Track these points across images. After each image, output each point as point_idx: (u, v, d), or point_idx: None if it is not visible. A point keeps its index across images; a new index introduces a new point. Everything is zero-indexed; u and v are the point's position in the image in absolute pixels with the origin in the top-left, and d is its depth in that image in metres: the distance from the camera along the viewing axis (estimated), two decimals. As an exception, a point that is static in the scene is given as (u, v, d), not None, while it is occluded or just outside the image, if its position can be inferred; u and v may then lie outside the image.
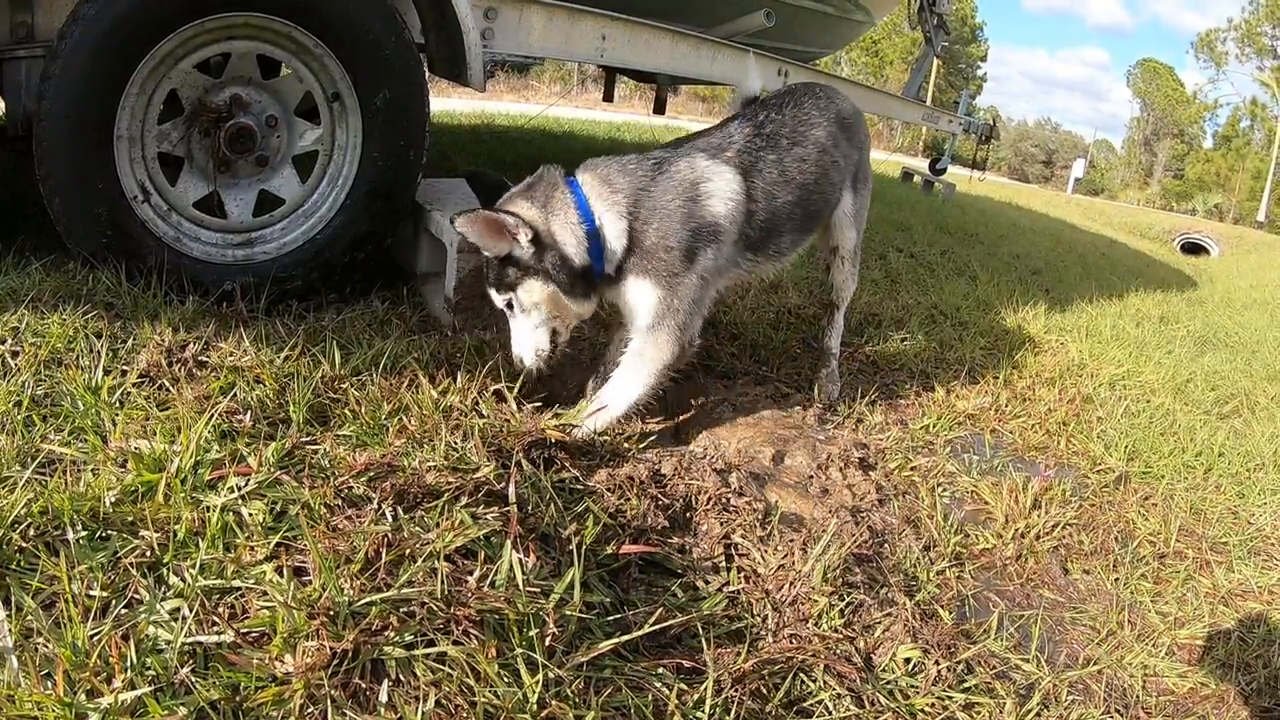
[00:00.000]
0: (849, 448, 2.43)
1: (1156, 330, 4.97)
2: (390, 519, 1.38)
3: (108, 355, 2.02)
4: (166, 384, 1.93)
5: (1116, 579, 2.29)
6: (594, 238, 2.10)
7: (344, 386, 1.99)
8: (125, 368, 1.98)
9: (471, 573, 1.31)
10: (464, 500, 1.45)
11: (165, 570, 1.30)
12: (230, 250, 2.71)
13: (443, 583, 1.25)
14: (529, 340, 2.16)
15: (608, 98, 6.64)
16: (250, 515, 1.37)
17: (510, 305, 2.15)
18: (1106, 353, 3.94)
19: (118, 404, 1.82)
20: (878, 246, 5.47)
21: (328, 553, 1.27)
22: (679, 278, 2.17)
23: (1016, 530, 2.35)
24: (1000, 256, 6.43)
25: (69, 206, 2.41)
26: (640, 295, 2.18)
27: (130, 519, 1.40)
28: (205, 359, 2.06)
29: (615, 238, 2.13)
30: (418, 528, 1.36)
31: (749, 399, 2.63)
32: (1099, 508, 2.57)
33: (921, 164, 12.13)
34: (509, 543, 1.35)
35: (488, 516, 1.42)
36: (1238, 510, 2.75)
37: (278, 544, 1.34)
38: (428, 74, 3.06)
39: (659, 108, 6.02)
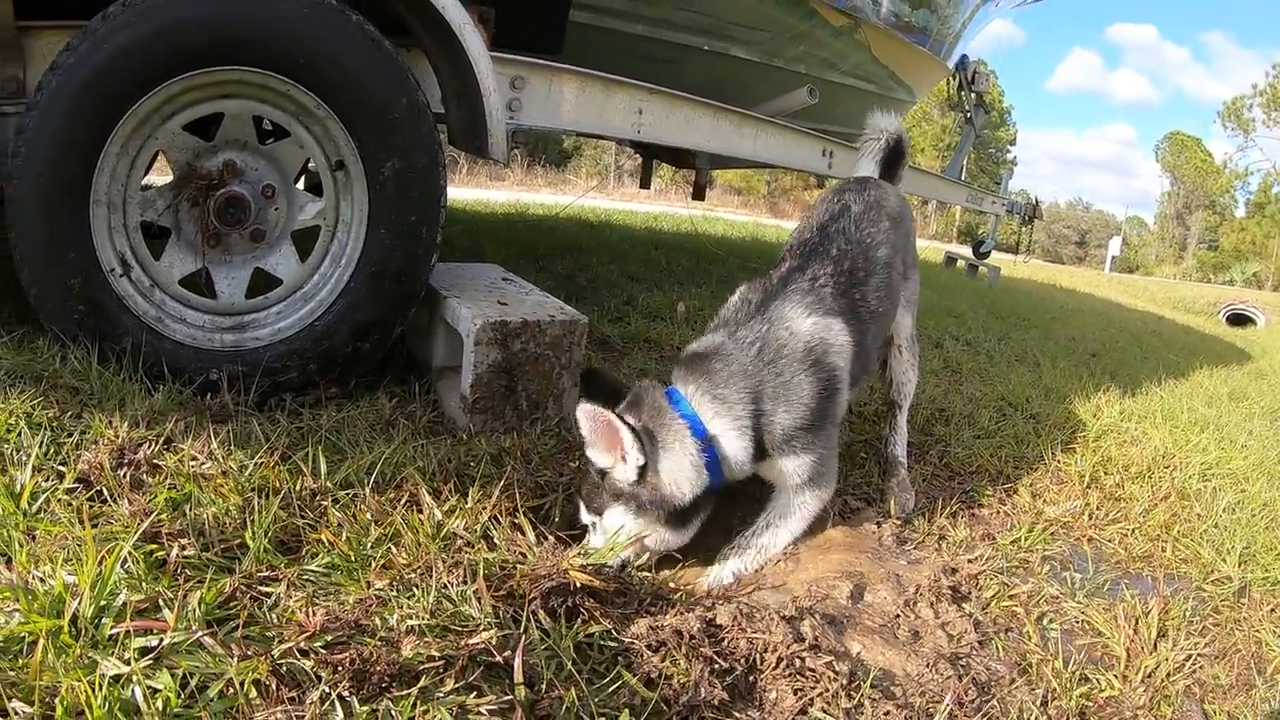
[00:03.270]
0: (937, 575, 2.01)
1: (1229, 409, 4.67)
2: (340, 712, 0.98)
3: (46, 450, 1.69)
4: (107, 492, 1.58)
5: (1267, 723, 1.87)
6: (713, 462, 1.88)
7: (325, 504, 1.62)
8: (63, 468, 1.65)
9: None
10: (450, 683, 1.05)
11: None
12: (218, 334, 2.39)
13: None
14: (611, 549, 1.83)
15: (644, 184, 6.45)
16: (146, 696, 0.98)
17: (593, 527, 1.93)
18: (1190, 439, 3.58)
19: (40, 516, 1.47)
20: (932, 334, 5.13)
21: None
22: (820, 437, 1.99)
23: (1144, 670, 1.94)
24: (1056, 340, 6.13)
25: (39, 277, 2.14)
26: (788, 465, 1.99)
27: (5, 683, 1.03)
28: (161, 462, 1.71)
29: (742, 451, 1.91)
30: (378, 730, 0.96)
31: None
32: (1226, 628, 2.17)
33: (961, 250, 11.88)
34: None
35: (482, 708, 1.02)
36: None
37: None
38: (447, 145, 2.80)
39: (698, 193, 5.79)
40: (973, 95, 7.98)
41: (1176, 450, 3.38)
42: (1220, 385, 5.45)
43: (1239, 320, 15.88)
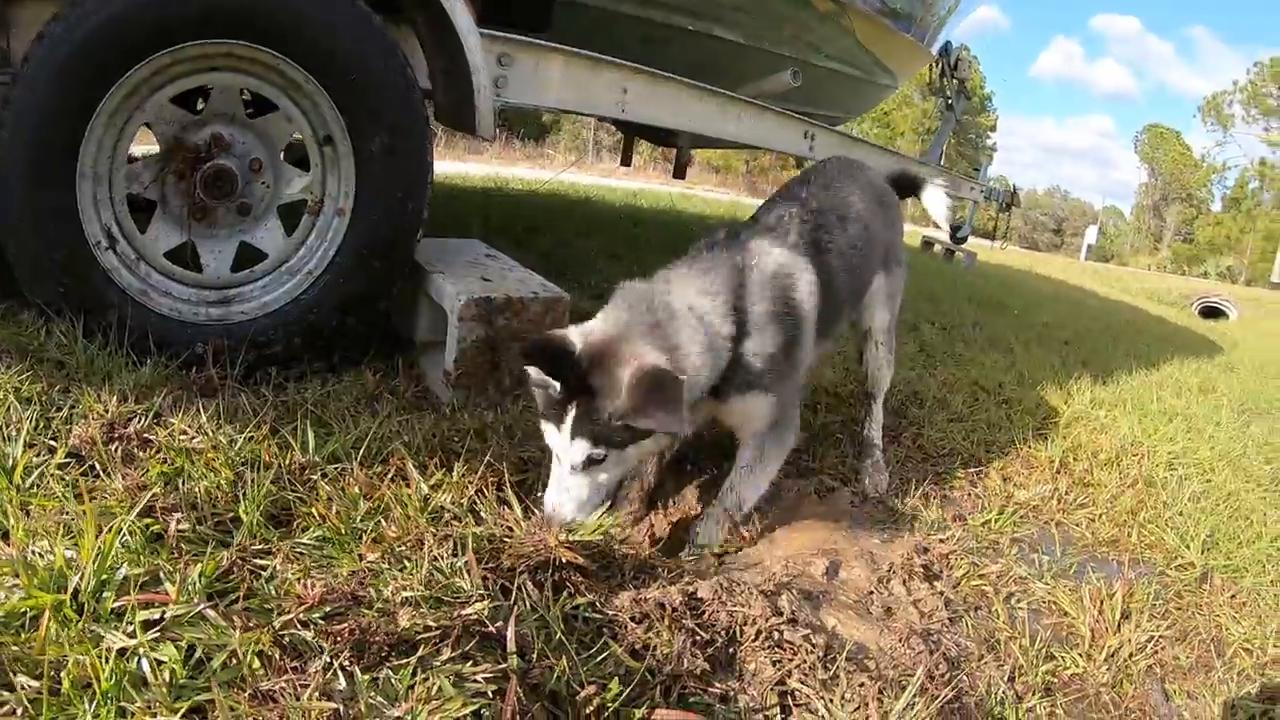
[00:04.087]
0: (910, 554, 2.07)
1: (1198, 400, 4.77)
2: (344, 682, 1.02)
3: (36, 425, 1.70)
4: (99, 466, 1.60)
5: (1224, 702, 1.95)
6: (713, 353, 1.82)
7: (314, 478, 1.65)
8: (54, 443, 1.66)
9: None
10: (446, 653, 1.09)
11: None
12: (204, 308, 2.40)
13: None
14: (594, 498, 1.71)
15: (625, 161, 6.41)
16: (153, 667, 1.01)
17: (595, 460, 1.65)
18: (1158, 429, 3.68)
19: (34, 490, 1.49)
20: (909, 318, 5.20)
21: (253, 732, 0.92)
22: (787, 378, 1.96)
23: (1108, 649, 2.02)
24: (1030, 327, 6.23)
25: (23, 249, 2.14)
26: (755, 405, 1.95)
27: (10, 657, 1.05)
28: (151, 437, 1.73)
29: (726, 351, 1.85)
30: (380, 697, 1.00)
31: (792, 496, 2.28)
32: (1187, 612, 2.26)
33: (937, 233, 11.95)
34: None
35: (478, 676, 1.06)
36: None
37: (189, 710, 0.98)
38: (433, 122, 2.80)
39: (679, 172, 5.78)
40: (955, 82, 8.00)
41: (1145, 439, 3.47)
42: (1190, 376, 5.54)
43: (1211, 313, 16.11)
